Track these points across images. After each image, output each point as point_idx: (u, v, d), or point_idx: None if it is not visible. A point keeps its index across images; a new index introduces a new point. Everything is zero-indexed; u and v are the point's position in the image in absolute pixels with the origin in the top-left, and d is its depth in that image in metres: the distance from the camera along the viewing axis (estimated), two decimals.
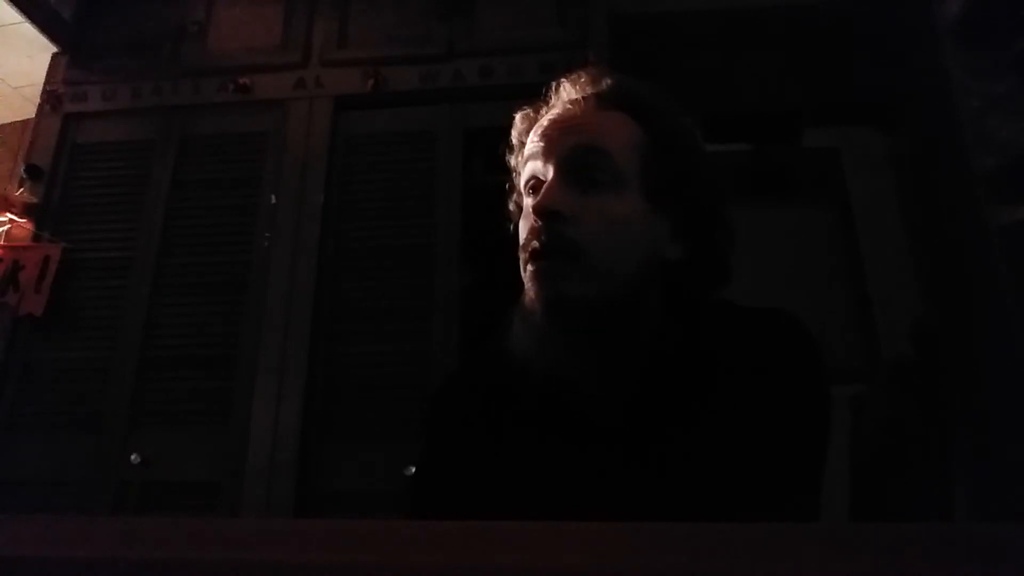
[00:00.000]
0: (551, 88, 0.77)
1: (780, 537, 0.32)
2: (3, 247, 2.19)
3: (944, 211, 2.14)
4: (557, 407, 0.70)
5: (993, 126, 1.83)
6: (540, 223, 0.66)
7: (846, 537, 0.31)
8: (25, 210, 2.23)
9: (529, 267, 0.67)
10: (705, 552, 0.31)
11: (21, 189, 2.27)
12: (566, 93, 0.75)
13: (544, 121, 0.73)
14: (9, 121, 2.77)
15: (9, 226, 2.22)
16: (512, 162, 0.79)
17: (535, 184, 0.70)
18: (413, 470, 1.82)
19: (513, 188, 0.80)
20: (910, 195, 2.51)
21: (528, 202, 0.71)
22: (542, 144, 0.70)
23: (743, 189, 2.68)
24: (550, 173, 0.68)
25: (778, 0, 2.30)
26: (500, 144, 0.81)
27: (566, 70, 0.77)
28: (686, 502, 0.60)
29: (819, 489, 0.66)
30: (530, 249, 0.67)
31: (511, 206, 0.80)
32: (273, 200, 2.20)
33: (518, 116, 0.78)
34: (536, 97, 0.78)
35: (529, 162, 0.72)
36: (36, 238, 2.20)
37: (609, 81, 0.73)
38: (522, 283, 0.70)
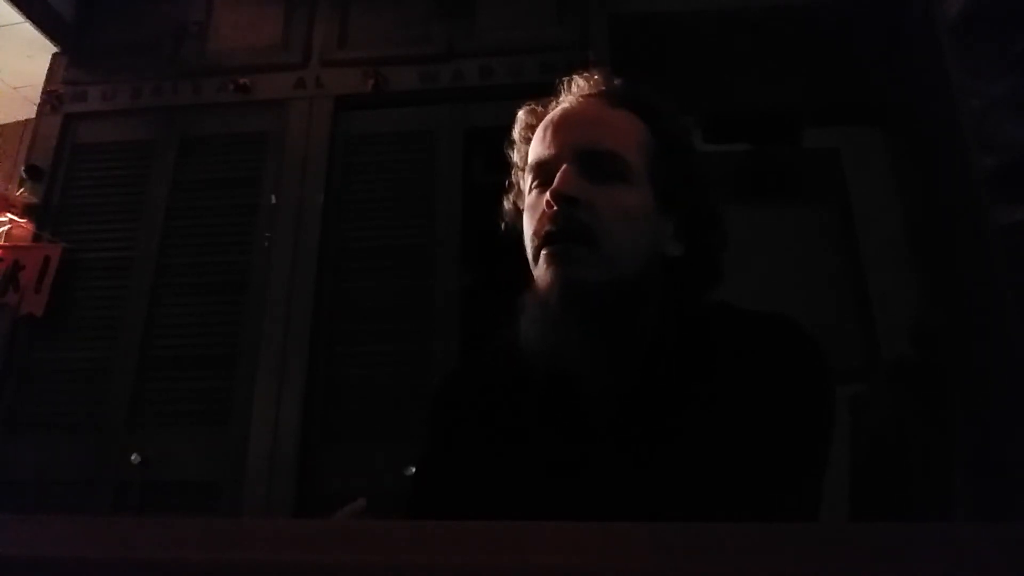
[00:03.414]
0: (561, 84, 0.78)
1: (780, 537, 0.32)
2: (3, 247, 2.18)
3: (944, 211, 2.14)
4: (558, 403, 0.70)
5: (993, 126, 1.82)
6: (555, 208, 0.66)
7: (846, 537, 0.31)
8: (25, 210, 2.23)
9: (544, 251, 0.67)
10: (704, 552, 0.31)
11: (21, 189, 2.27)
12: (577, 88, 0.76)
13: (555, 114, 0.73)
14: (9, 121, 2.77)
15: (9, 226, 2.22)
16: (514, 157, 0.78)
17: (544, 174, 0.70)
18: (414, 470, 1.82)
19: (512, 186, 0.79)
20: (910, 195, 2.51)
21: (534, 194, 0.71)
22: (554, 135, 0.71)
23: (743, 189, 2.68)
24: (563, 163, 0.68)
25: (778, 0, 2.30)
26: (500, 144, 0.81)
27: (566, 70, 0.78)
28: (684, 500, 0.60)
29: (819, 490, 0.66)
30: (544, 233, 0.67)
31: (507, 204, 0.80)
32: (273, 200, 2.20)
33: (523, 111, 0.78)
34: (536, 96, 0.78)
35: (538, 154, 0.72)
36: (36, 238, 2.20)
37: (618, 81, 0.75)
38: (522, 282, 0.70)
